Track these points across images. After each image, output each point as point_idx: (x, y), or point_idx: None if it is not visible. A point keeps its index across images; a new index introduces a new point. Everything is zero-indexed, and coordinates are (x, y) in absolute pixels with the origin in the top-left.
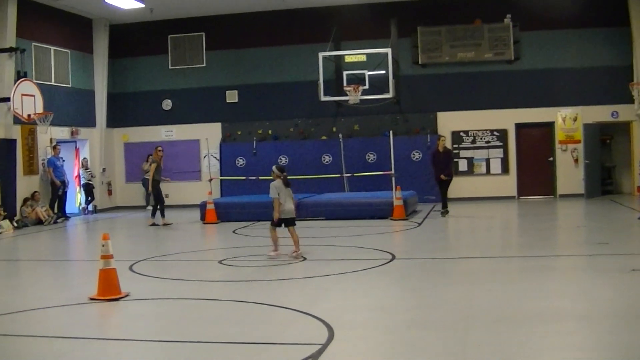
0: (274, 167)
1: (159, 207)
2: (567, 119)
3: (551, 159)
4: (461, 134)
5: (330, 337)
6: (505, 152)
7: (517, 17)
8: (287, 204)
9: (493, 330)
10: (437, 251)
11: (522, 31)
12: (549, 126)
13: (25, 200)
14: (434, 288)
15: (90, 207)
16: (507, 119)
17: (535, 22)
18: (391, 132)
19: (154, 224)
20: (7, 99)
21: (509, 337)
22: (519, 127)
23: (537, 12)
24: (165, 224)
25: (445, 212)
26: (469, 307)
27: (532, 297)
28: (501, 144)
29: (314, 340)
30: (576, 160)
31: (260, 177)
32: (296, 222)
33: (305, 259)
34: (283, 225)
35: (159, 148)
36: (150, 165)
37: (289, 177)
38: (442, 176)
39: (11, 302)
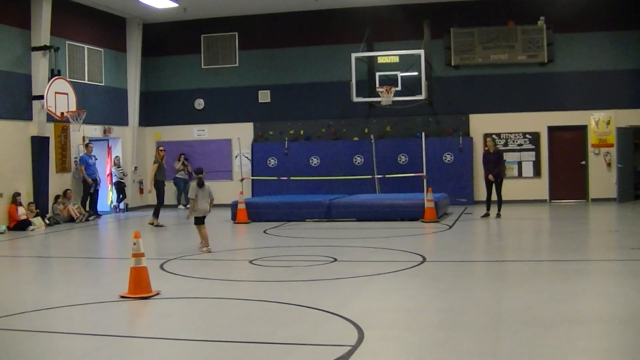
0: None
1: (158, 206)
2: (600, 123)
3: (584, 162)
4: (493, 136)
5: (360, 338)
6: (538, 155)
7: (551, 18)
8: (201, 204)
9: (524, 332)
10: (468, 254)
11: (556, 33)
12: (582, 129)
13: (57, 197)
14: (465, 290)
15: (121, 205)
16: (540, 121)
17: (569, 24)
18: (423, 133)
19: (157, 225)
20: (41, 97)
21: (540, 340)
22: (552, 130)
23: (570, 14)
24: (157, 225)
25: (486, 215)
26: (499, 310)
27: (564, 300)
28: (533, 147)
29: (344, 342)
30: (609, 164)
31: (291, 177)
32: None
33: (334, 259)
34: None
35: (161, 148)
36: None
37: (321, 177)
38: (490, 176)
39: (43, 298)
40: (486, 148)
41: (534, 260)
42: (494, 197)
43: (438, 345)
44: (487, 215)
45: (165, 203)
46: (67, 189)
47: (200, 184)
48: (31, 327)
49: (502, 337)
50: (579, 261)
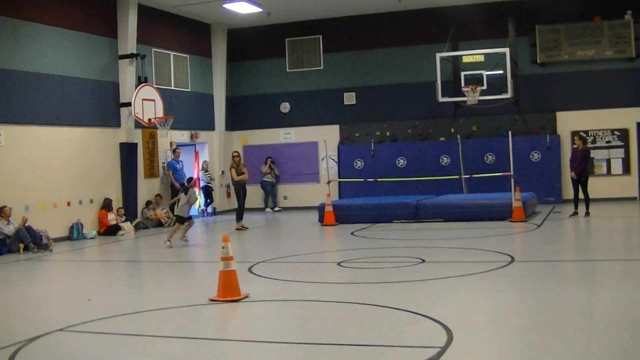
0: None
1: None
2: None
3: None
4: (581, 133)
5: (450, 340)
6: (627, 152)
7: (638, 12)
8: (182, 207)
9: (617, 334)
10: (557, 253)
11: None
12: None
13: (149, 203)
14: (555, 291)
15: (209, 209)
16: (629, 118)
17: None
18: (510, 132)
19: (241, 227)
20: (129, 104)
21: (634, 342)
22: None
23: None
24: (240, 228)
25: (574, 213)
26: (591, 311)
27: None
28: (622, 143)
29: (434, 343)
30: None
31: (378, 179)
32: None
33: (423, 260)
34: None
35: (235, 153)
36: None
37: (407, 178)
38: (572, 174)
39: (133, 302)
40: (575, 146)
41: (625, 260)
42: (582, 195)
43: (529, 348)
44: (575, 214)
45: (252, 206)
46: (157, 194)
47: (185, 191)
48: (124, 331)
49: (594, 339)
50: None
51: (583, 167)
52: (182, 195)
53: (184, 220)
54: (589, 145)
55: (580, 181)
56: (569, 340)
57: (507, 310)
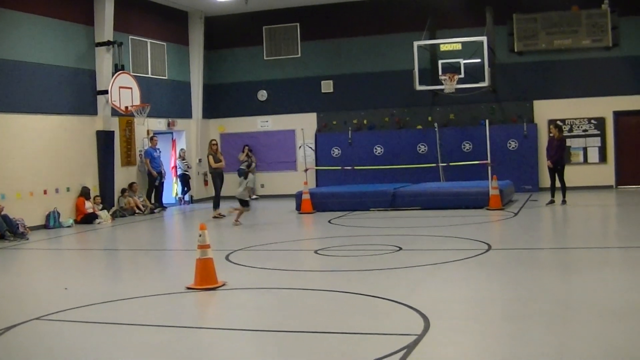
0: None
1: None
2: None
3: None
4: (558, 122)
5: (427, 327)
6: (603, 141)
7: (615, 2)
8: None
9: (594, 323)
10: (534, 241)
11: (621, 17)
12: None
13: (124, 190)
14: (532, 279)
15: (186, 198)
16: (605, 107)
17: (633, 7)
18: (487, 121)
19: (218, 215)
20: (106, 92)
21: (612, 331)
22: (618, 115)
23: None
24: (218, 216)
25: (551, 202)
26: (568, 299)
27: (634, 290)
28: (599, 132)
29: (410, 331)
30: None
31: (355, 167)
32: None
33: (400, 248)
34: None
35: (213, 141)
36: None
37: (385, 166)
38: (549, 162)
39: (110, 290)
40: (551, 134)
41: (602, 248)
42: (558, 184)
43: (505, 336)
44: (552, 202)
45: (230, 194)
46: (133, 182)
47: (245, 176)
48: (100, 319)
49: (571, 328)
50: None
51: (559, 156)
52: (242, 180)
53: (247, 204)
54: (566, 133)
55: (557, 170)
56: (546, 329)
57: (484, 298)
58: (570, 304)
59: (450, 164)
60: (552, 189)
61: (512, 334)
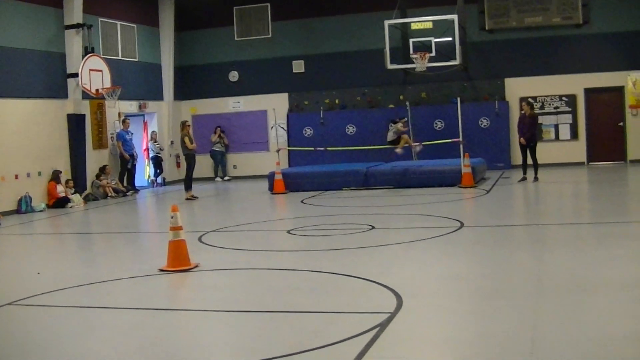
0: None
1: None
2: (637, 83)
3: (621, 124)
4: (529, 99)
5: (399, 305)
6: (575, 118)
7: None
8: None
9: (566, 298)
10: (506, 218)
11: None
12: (619, 90)
13: (99, 175)
14: (504, 256)
15: (159, 180)
16: (576, 84)
17: None
18: (459, 99)
19: (191, 197)
20: (76, 75)
21: (583, 305)
22: (588, 92)
23: None
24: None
25: (523, 179)
26: (540, 275)
27: (606, 265)
28: (570, 109)
29: (383, 309)
30: None
31: (328, 148)
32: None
33: (372, 227)
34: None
35: (187, 123)
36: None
37: (357, 147)
38: (522, 140)
39: (83, 274)
40: (522, 112)
41: (574, 224)
42: (530, 160)
43: (478, 312)
44: (524, 179)
45: (202, 176)
46: (106, 165)
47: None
48: (74, 303)
49: (544, 303)
50: (620, 223)
51: (532, 133)
52: (391, 126)
53: (397, 142)
54: (537, 111)
55: (529, 147)
56: (518, 304)
57: (457, 276)
58: (543, 279)
59: (423, 143)
60: (524, 165)
61: (485, 310)
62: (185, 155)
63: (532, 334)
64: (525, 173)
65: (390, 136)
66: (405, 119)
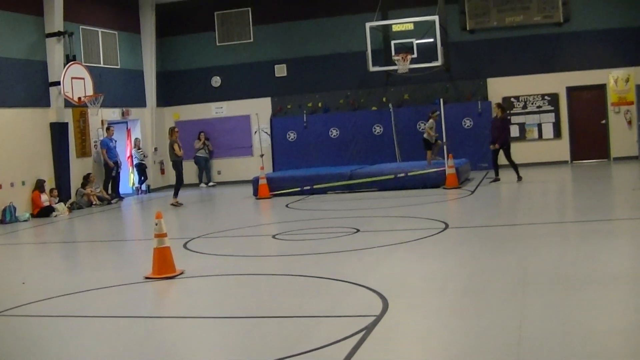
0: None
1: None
2: (619, 80)
3: (604, 121)
4: (512, 99)
5: (385, 308)
6: (557, 117)
7: None
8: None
9: (551, 295)
10: (491, 218)
11: None
12: (601, 88)
13: (84, 184)
14: (489, 255)
15: (143, 187)
16: (558, 82)
17: None
18: (442, 99)
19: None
20: (58, 83)
21: (567, 302)
22: (570, 90)
23: None
24: (176, 204)
25: (496, 180)
26: (525, 273)
27: (590, 262)
28: (553, 108)
29: (370, 312)
30: (630, 122)
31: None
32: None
33: (357, 230)
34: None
35: (175, 129)
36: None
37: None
38: (491, 146)
39: (69, 283)
40: (494, 115)
41: (558, 222)
42: (502, 161)
43: (465, 311)
44: (497, 180)
45: (186, 182)
46: (89, 173)
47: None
48: (60, 312)
49: (529, 301)
50: (604, 221)
51: (504, 137)
52: (429, 122)
53: (432, 145)
54: (520, 110)
55: (503, 149)
56: (503, 302)
57: (442, 277)
58: (527, 277)
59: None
60: (495, 167)
61: (471, 309)
62: (172, 162)
63: (519, 332)
64: (497, 174)
65: (426, 135)
66: (438, 112)
